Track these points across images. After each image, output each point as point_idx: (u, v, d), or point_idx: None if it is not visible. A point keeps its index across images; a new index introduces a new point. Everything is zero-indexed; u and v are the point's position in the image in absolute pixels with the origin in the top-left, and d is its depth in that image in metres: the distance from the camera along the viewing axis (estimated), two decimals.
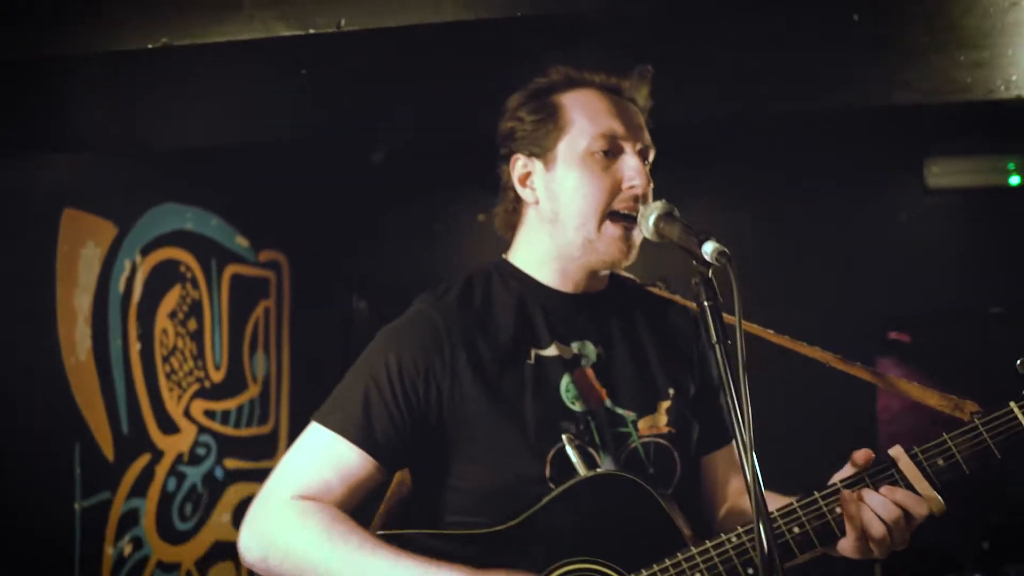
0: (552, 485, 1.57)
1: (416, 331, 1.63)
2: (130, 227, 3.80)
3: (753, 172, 4.34)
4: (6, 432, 3.21)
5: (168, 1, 2.10)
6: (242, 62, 2.41)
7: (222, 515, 4.20)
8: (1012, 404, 1.46)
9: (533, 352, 1.65)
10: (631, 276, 1.80)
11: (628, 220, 1.64)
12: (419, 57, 2.19)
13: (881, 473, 1.48)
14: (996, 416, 1.46)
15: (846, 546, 1.47)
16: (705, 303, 1.41)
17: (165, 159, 3.85)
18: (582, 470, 1.58)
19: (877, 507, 1.44)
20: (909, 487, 1.46)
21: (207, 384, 4.15)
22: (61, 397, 3.45)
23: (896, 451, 1.48)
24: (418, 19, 1.90)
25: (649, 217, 1.58)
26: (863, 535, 1.45)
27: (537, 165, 1.69)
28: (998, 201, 4.29)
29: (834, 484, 1.50)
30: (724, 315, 1.43)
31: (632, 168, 1.65)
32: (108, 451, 3.63)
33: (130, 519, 3.73)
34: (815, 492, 1.49)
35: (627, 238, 1.65)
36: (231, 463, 4.25)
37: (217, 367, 4.22)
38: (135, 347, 3.78)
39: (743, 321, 1.34)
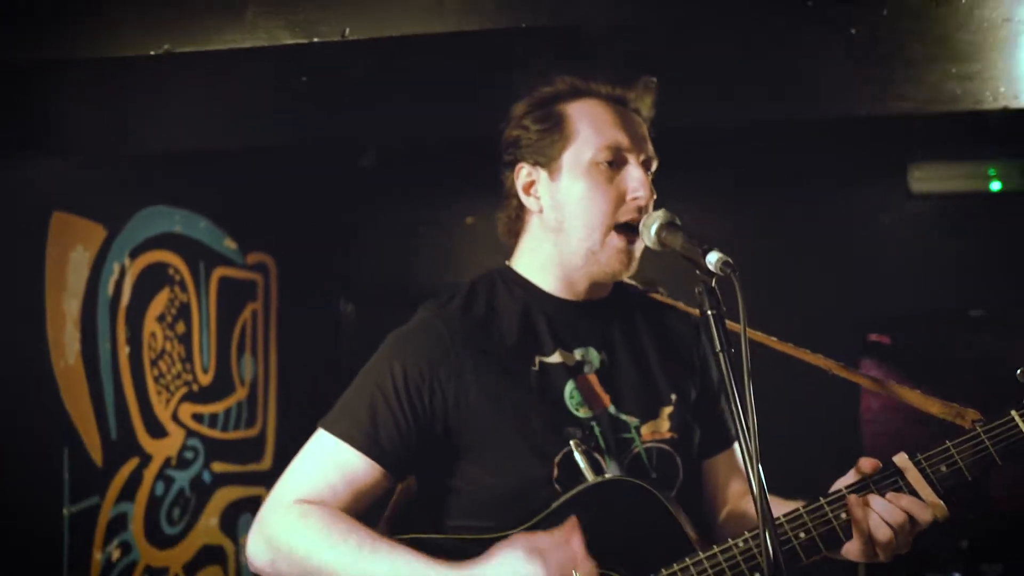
0: (559, 487, 1.59)
1: (422, 339, 1.65)
2: (119, 230, 3.77)
3: (736, 175, 4.38)
4: None
5: (170, 7, 2.09)
6: (238, 67, 2.41)
7: (210, 519, 4.18)
8: (1013, 412, 1.49)
9: (537, 359, 1.66)
10: (633, 282, 1.82)
11: (632, 232, 1.66)
12: (420, 65, 2.20)
13: (885, 479, 1.51)
14: (998, 424, 1.49)
15: (852, 550, 1.50)
16: (709, 312, 1.44)
17: (154, 162, 3.83)
18: (590, 476, 1.59)
19: (884, 512, 1.47)
20: (913, 493, 1.49)
21: (195, 387, 4.13)
22: (50, 401, 3.42)
23: (900, 458, 1.51)
24: (422, 28, 1.90)
25: (651, 227, 1.61)
26: (870, 540, 1.48)
27: (542, 174, 1.71)
28: (979, 206, 4.35)
29: (839, 490, 1.52)
30: (727, 322, 1.45)
31: (636, 179, 1.67)
32: (97, 456, 3.61)
33: (118, 524, 3.71)
34: (821, 498, 1.52)
35: (629, 250, 1.67)
36: (219, 467, 4.23)
37: (205, 370, 4.20)
38: (124, 351, 3.75)
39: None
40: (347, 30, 1.89)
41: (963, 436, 1.50)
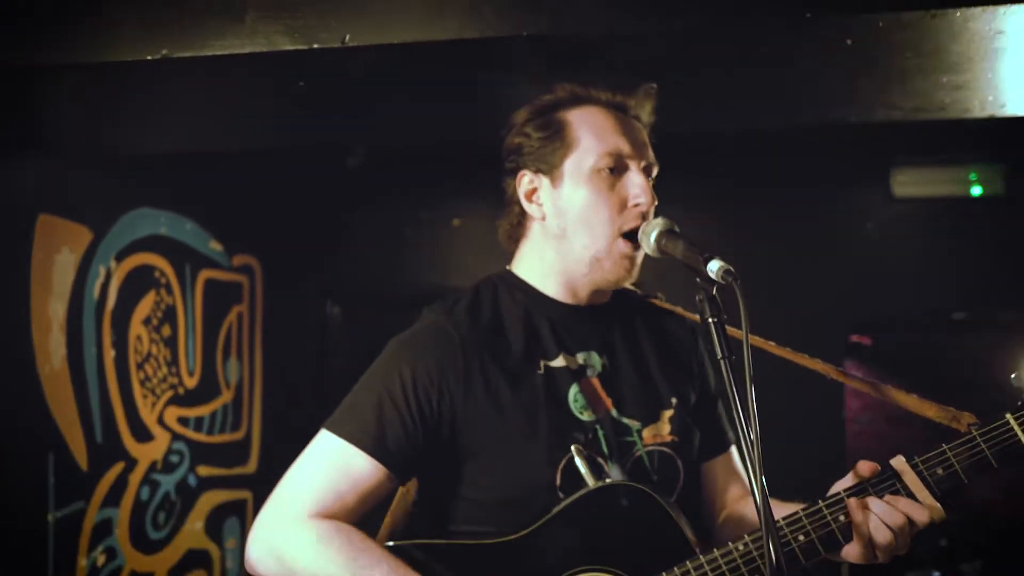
0: (562, 494, 1.60)
1: (431, 342, 1.65)
2: (105, 232, 3.74)
3: (719, 180, 4.41)
4: None
5: (169, 12, 2.07)
6: (235, 72, 2.40)
7: (195, 523, 4.15)
8: (1008, 415, 1.51)
9: (542, 363, 1.67)
10: (634, 288, 1.83)
11: (634, 239, 1.68)
12: (418, 71, 2.20)
13: (883, 483, 1.53)
14: (993, 427, 1.51)
15: (852, 552, 1.52)
16: (710, 320, 1.45)
17: (140, 164, 3.81)
18: (590, 480, 1.61)
19: (883, 515, 1.49)
20: (911, 496, 1.51)
21: (181, 390, 4.11)
22: (35, 406, 3.39)
23: (898, 461, 1.53)
24: (423, 36, 1.90)
25: (651, 234, 1.62)
26: (869, 542, 1.50)
27: (544, 181, 1.72)
28: (961, 210, 4.42)
29: (837, 493, 1.54)
30: (728, 328, 1.47)
31: (637, 186, 1.68)
32: (82, 460, 3.58)
33: (103, 529, 3.68)
34: (819, 501, 1.54)
35: (633, 256, 1.69)
36: (204, 470, 4.20)
37: (191, 373, 4.18)
38: (109, 354, 3.72)
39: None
40: (347, 36, 1.89)
41: (959, 439, 1.52)
